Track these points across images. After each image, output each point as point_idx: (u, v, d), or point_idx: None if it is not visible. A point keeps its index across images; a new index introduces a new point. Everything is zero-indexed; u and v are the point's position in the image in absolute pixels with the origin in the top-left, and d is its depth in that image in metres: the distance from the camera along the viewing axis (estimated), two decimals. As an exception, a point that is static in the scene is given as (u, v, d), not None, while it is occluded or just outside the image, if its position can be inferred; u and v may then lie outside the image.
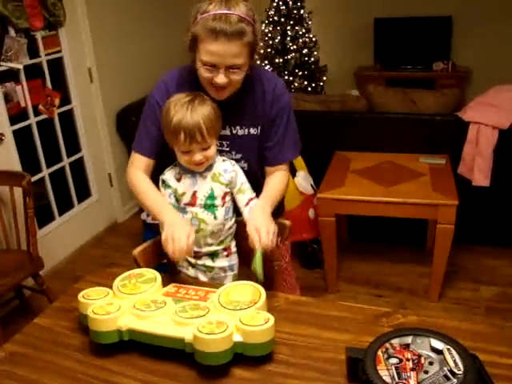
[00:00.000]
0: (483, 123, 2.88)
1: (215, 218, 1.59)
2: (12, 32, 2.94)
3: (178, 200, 1.61)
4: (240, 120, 1.63)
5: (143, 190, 1.63)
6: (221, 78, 1.46)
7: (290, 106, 1.68)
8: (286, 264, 2.02)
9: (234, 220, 1.66)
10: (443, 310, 2.74)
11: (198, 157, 1.51)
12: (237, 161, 1.66)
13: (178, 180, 1.60)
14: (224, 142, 1.65)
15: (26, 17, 2.96)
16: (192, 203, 1.58)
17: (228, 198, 1.61)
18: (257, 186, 1.66)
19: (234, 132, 1.64)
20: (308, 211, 3.06)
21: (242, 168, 1.66)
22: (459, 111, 3.04)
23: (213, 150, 1.53)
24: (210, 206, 1.58)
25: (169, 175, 1.62)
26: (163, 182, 1.62)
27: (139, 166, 1.67)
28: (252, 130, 1.64)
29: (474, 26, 5.01)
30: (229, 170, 1.60)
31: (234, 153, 1.67)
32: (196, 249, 1.62)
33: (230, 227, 1.65)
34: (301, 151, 1.76)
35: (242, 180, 1.63)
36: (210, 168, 1.59)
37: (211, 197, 1.58)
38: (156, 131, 1.61)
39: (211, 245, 1.63)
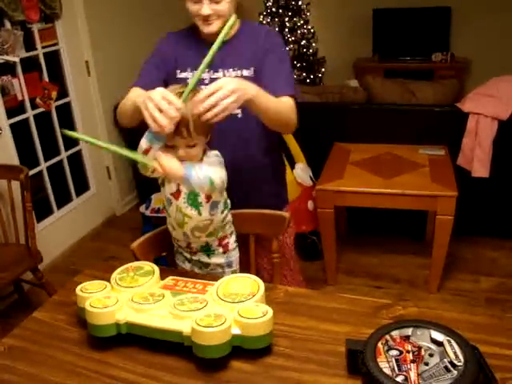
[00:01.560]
0: (482, 114, 2.87)
1: (199, 214, 1.50)
2: (8, 24, 2.92)
3: (163, 183, 1.54)
4: (232, 61, 1.62)
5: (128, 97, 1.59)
6: (205, 9, 1.53)
7: (283, 47, 1.71)
8: (289, 271, 1.97)
9: (226, 213, 1.58)
10: (443, 302, 2.74)
11: (181, 153, 1.41)
12: None
13: None
14: None
15: (22, 9, 2.94)
16: (176, 196, 1.51)
17: (214, 195, 1.51)
18: (252, 143, 1.56)
19: (228, 75, 1.62)
20: (307, 203, 3.06)
21: (236, 115, 1.59)
22: (458, 102, 3.03)
23: (197, 150, 1.43)
24: (193, 202, 1.50)
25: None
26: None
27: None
28: (245, 72, 1.62)
29: (473, 16, 5.00)
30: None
31: None
32: (186, 240, 1.58)
33: (222, 220, 1.57)
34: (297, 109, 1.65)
35: None
36: None
37: (193, 192, 1.48)
38: (156, 71, 1.64)
39: (199, 237, 1.56)
